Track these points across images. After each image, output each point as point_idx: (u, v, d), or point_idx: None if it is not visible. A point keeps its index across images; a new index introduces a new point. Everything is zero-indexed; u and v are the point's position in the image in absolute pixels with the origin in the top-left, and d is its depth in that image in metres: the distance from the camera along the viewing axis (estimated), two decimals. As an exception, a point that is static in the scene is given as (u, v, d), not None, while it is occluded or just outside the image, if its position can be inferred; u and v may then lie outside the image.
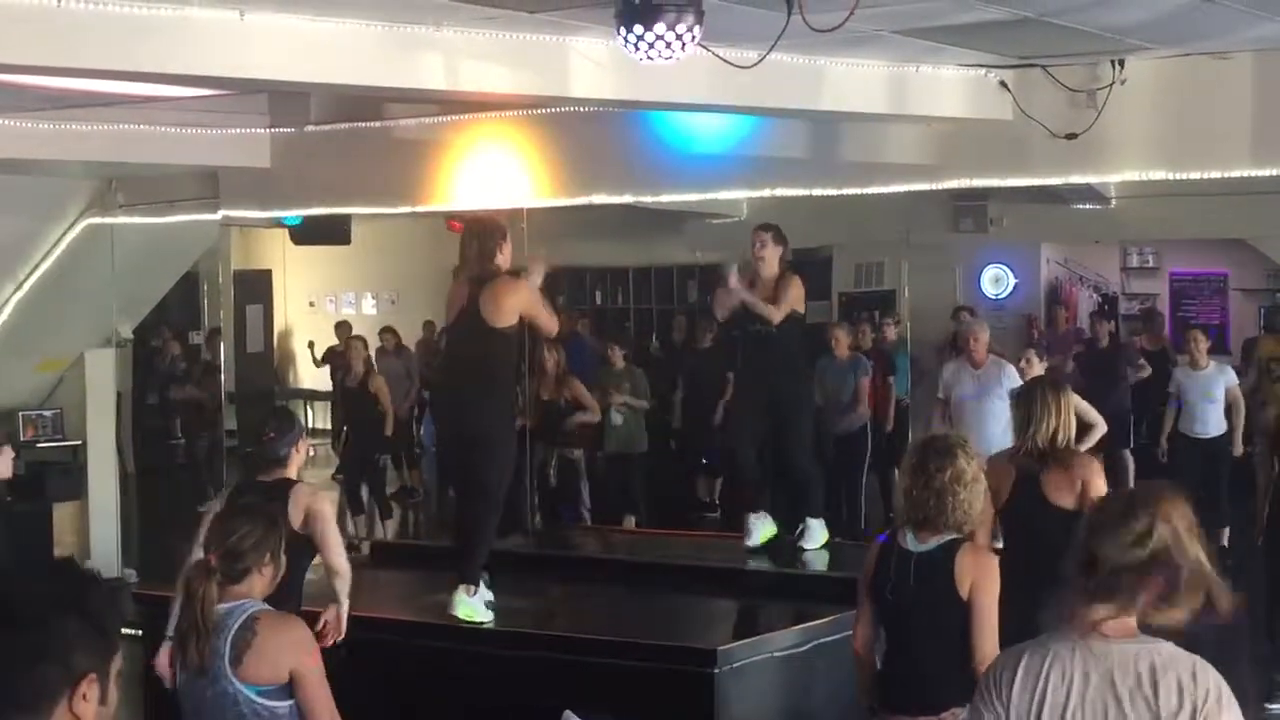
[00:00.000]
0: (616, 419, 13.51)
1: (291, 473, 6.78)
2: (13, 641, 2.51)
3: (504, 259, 7.95)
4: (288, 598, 5.95)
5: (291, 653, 4.78)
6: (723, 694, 7.21)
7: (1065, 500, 6.66)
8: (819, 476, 9.59)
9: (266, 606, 4.87)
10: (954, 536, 5.44)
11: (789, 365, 9.15)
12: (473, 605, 7.81)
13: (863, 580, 5.66)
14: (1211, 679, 3.42)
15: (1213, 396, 12.36)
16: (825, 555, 9.16)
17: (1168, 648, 3.45)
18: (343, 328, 16.12)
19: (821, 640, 7.60)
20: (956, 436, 5.80)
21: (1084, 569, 3.49)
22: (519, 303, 7.87)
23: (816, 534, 9.20)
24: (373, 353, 14.94)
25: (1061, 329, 14.77)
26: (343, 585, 6.78)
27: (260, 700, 4.71)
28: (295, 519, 6.44)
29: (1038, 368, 10.52)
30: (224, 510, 5.46)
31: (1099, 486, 6.64)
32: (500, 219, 8.30)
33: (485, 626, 7.80)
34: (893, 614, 5.56)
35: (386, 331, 15.91)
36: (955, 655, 5.25)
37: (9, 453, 8.63)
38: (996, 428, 10.55)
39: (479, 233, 8.03)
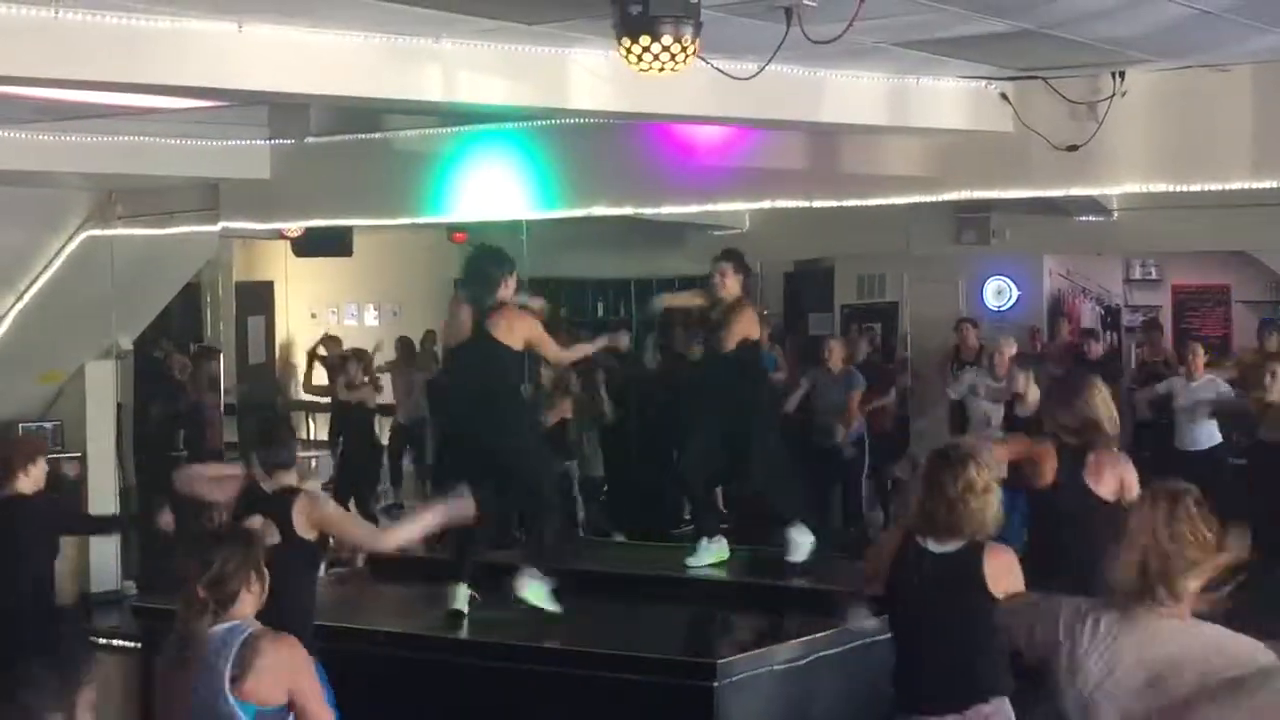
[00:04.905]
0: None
1: (294, 480, 6.63)
2: None
3: (506, 292, 8.08)
4: (305, 611, 6.00)
5: (289, 674, 4.76)
6: (723, 708, 7.17)
7: None
8: (787, 485, 9.40)
9: (261, 626, 4.84)
10: (975, 539, 5.40)
11: (743, 387, 9.14)
12: (541, 590, 8.03)
13: (880, 554, 5.72)
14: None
15: (1202, 410, 12.10)
16: (826, 567, 9.08)
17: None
18: (332, 343, 16.07)
19: (822, 654, 7.57)
20: (969, 446, 5.73)
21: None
22: (526, 330, 8.05)
23: (799, 544, 9.04)
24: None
25: (1063, 341, 14.74)
26: (392, 530, 6.75)
27: None
28: (300, 528, 6.33)
29: (1033, 389, 10.59)
30: (201, 539, 5.39)
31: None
32: (505, 254, 8.37)
33: (550, 611, 7.98)
34: (907, 611, 5.53)
35: (330, 340, 15.81)
36: (980, 654, 5.19)
37: (42, 464, 8.52)
38: None
39: (483, 256, 8.20)
